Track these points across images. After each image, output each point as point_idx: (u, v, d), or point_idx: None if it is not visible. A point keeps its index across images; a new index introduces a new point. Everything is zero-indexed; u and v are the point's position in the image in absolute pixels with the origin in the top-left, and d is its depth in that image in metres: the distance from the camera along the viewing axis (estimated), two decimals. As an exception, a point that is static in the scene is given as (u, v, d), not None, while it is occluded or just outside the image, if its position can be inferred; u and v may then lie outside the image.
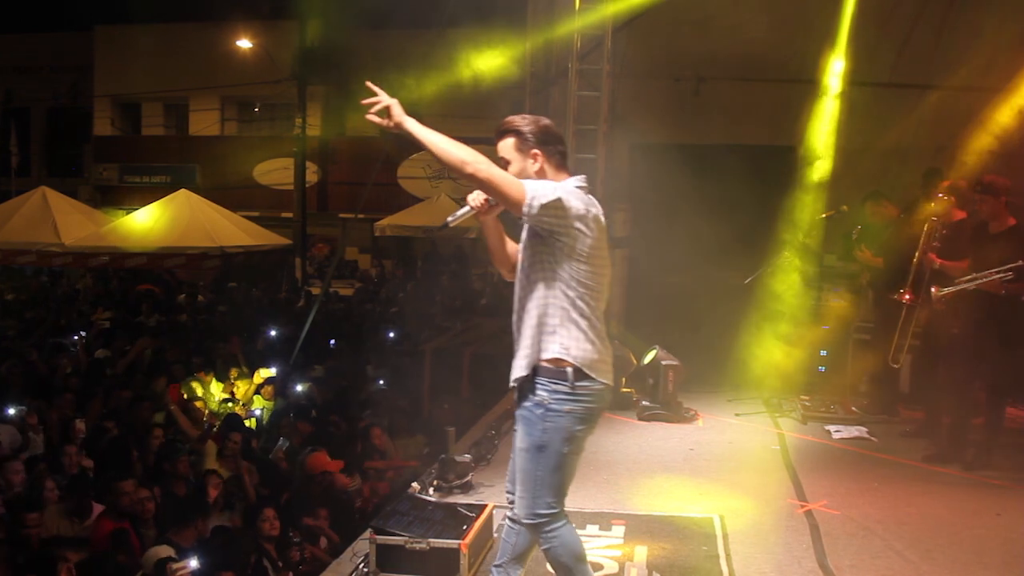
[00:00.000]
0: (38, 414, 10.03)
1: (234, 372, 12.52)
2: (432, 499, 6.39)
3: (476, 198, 4.31)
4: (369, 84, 4.11)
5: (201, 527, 7.62)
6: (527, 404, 4.23)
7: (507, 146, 4.29)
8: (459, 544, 5.19)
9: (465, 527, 5.39)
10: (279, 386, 12.34)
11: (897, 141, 10.81)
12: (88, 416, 10.25)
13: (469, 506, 5.85)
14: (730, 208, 10.84)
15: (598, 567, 5.57)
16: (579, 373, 4.17)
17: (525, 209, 4.02)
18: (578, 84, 11.55)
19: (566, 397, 4.16)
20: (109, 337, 14.46)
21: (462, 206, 4.42)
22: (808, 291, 10.52)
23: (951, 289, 7.69)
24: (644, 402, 9.62)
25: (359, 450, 10.02)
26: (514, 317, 4.33)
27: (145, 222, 20.29)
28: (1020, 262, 7.38)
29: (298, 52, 25.33)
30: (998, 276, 7.40)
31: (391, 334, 15.64)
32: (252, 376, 12.52)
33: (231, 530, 7.81)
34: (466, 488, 6.88)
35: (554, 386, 4.17)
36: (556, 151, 4.32)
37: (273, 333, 15.40)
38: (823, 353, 10.62)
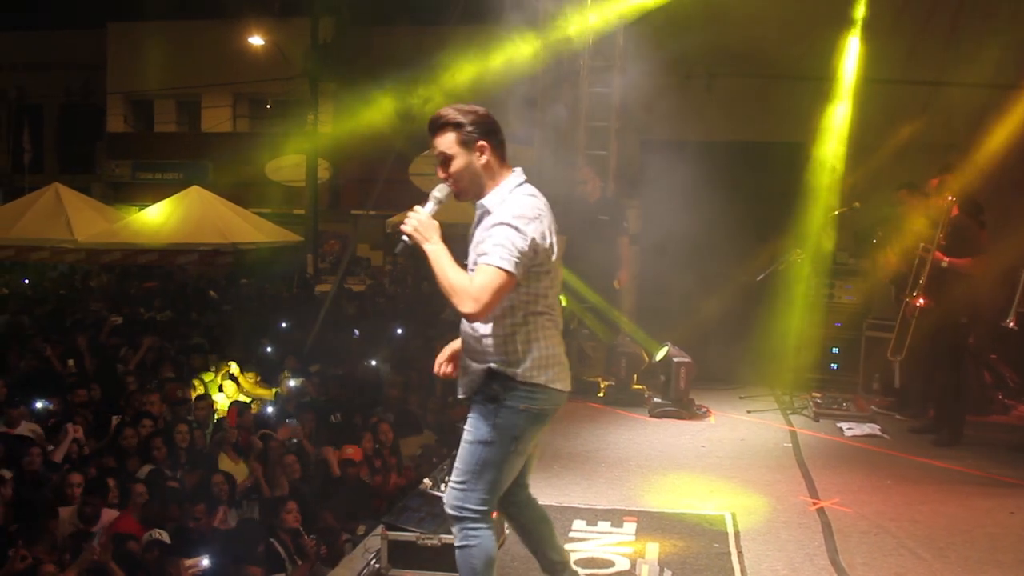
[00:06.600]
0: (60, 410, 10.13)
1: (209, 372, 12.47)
2: (444, 495, 6.39)
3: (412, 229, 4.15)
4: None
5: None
6: (479, 398, 4.23)
7: (448, 141, 4.13)
8: (471, 541, 5.20)
9: (476, 524, 5.38)
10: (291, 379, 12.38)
11: (909, 138, 10.77)
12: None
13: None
14: (741, 205, 10.83)
15: (609, 564, 5.58)
16: (535, 374, 4.16)
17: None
18: (589, 81, 11.54)
19: (521, 396, 4.16)
20: (123, 334, 14.47)
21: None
22: (820, 288, 10.51)
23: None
24: (656, 399, 9.62)
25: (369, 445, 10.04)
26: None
27: (157, 218, 20.33)
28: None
29: (310, 49, 25.35)
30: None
31: (400, 330, 15.65)
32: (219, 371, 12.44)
33: (251, 523, 7.89)
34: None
35: (510, 383, 4.15)
36: (499, 141, 4.21)
37: (283, 326, 15.47)
38: (835, 350, 10.62)
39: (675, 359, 9.57)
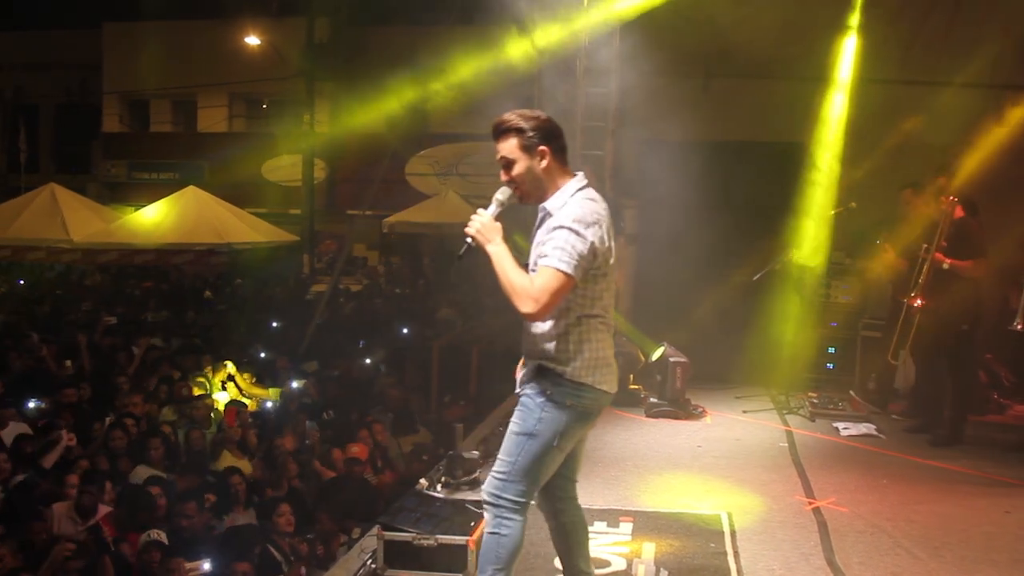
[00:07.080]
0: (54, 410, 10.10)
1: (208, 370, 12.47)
2: (440, 495, 6.39)
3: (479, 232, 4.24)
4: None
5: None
6: (529, 391, 4.31)
7: (511, 147, 4.24)
8: (467, 540, 5.20)
9: (473, 523, 5.38)
10: (285, 379, 12.37)
11: (906, 138, 10.78)
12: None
13: (477, 502, 5.82)
14: (738, 205, 10.85)
15: (605, 564, 5.59)
16: (584, 374, 4.24)
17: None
18: (586, 81, 11.53)
19: (568, 393, 4.24)
20: (118, 334, 14.45)
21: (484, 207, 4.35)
22: (816, 288, 10.50)
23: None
24: (652, 399, 9.62)
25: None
26: None
27: (153, 218, 20.27)
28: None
29: (306, 49, 25.32)
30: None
31: (401, 330, 15.64)
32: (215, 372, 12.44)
33: (242, 528, 7.86)
34: (474, 484, 6.87)
35: (559, 380, 4.22)
36: (560, 146, 4.30)
37: (277, 325, 15.47)
38: (831, 350, 10.63)
39: (671, 359, 9.57)
